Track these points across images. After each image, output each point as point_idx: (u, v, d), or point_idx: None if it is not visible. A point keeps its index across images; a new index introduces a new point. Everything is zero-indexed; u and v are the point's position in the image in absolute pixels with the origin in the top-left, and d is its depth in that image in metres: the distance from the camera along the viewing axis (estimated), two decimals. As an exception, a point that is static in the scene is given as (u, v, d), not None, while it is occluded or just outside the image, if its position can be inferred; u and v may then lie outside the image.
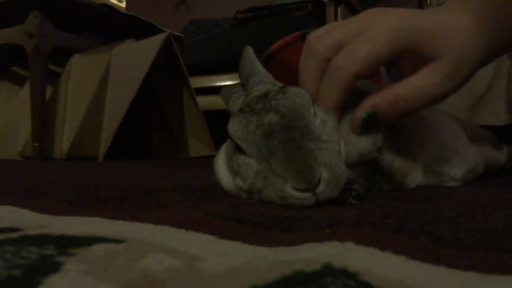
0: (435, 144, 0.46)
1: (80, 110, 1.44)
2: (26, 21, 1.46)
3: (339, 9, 1.74)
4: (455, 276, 0.17)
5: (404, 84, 0.38)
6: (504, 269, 0.17)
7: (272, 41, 0.77)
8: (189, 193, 0.43)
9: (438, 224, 0.25)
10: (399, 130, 0.43)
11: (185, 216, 0.29)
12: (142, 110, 1.77)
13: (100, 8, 1.59)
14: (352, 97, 0.39)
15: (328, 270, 0.17)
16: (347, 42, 0.38)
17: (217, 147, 0.51)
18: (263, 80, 0.40)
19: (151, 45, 1.55)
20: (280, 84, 0.40)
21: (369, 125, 0.38)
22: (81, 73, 1.52)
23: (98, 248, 0.20)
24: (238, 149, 0.36)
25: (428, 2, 2.49)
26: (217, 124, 1.18)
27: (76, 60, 1.55)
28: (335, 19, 1.72)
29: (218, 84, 1.86)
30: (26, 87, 1.57)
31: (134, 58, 1.53)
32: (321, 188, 0.32)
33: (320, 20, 1.87)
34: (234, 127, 0.36)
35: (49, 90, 1.53)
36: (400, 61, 0.40)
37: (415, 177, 0.45)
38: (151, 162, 1.36)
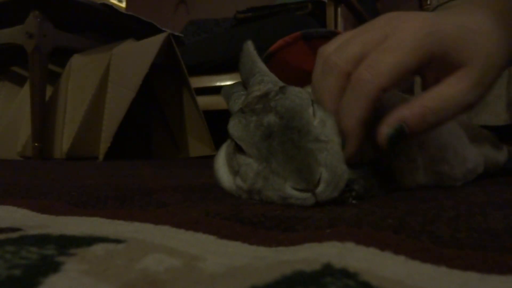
0: (435, 144, 0.46)
1: (80, 110, 1.44)
2: (26, 21, 1.46)
3: (339, 9, 1.74)
4: (455, 276, 0.17)
5: (432, 94, 0.35)
6: (504, 269, 0.17)
7: (272, 41, 0.77)
8: (189, 193, 0.43)
9: (438, 224, 0.25)
10: None
11: (185, 216, 0.29)
12: (142, 110, 1.77)
13: (100, 8, 1.59)
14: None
15: (328, 270, 0.17)
16: (367, 53, 0.35)
17: (217, 147, 0.51)
18: (264, 79, 0.40)
19: (151, 45, 1.55)
20: (281, 84, 0.40)
21: (396, 140, 0.35)
22: (81, 73, 1.52)
23: (98, 248, 0.20)
24: (239, 149, 0.36)
25: (428, 2, 2.49)
26: (217, 124, 1.18)
27: (76, 60, 1.55)
28: (335, 19, 1.72)
29: (218, 84, 1.86)
30: (26, 87, 1.57)
31: (134, 58, 1.53)
32: (321, 188, 0.32)
33: (320, 20, 1.86)
34: (234, 127, 0.36)
35: (49, 90, 1.52)
36: (423, 70, 0.37)
37: (415, 177, 0.45)
38: (151, 162, 1.36)
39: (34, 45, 1.43)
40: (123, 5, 3.57)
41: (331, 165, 0.32)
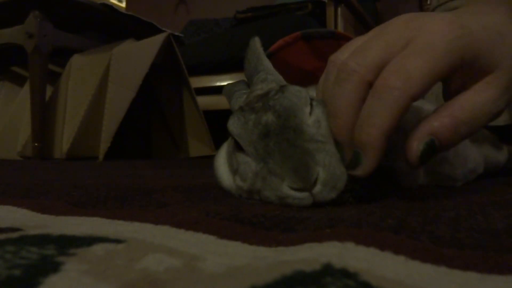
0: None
1: (80, 110, 1.44)
2: (26, 21, 1.46)
3: (339, 9, 1.75)
4: (455, 276, 0.17)
5: (462, 103, 0.32)
6: (504, 269, 0.17)
7: (272, 41, 0.77)
8: (189, 193, 0.43)
9: (438, 224, 0.25)
10: (400, 130, 0.43)
11: (185, 216, 0.29)
12: (142, 110, 1.77)
13: (100, 8, 1.59)
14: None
15: (328, 270, 0.17)
16: (390, 58, 0.32)
17: (217, 147, 0.51)
18: (268, 78, 0.40)
19: (151, 45, 1.55)
20: (284, 83, 0.40)
21: (428, 156, 0.32)
22: (81, 73, 1.52)
23: (98, 248, 0.20)
24: (238, 147, 0.36)
25: (428, 2, 2.49)
26: (217, 124, 1.18)
27: (76, 60, 1.55)
28: (335, 19, 1.72)
29: (218, 84, 1.86)
30: (26, 87, 1.57)
31: (134, 58, 1.53)
32: (317, 188, 0.32)
33: (320, 20, 1.87)
34: (233, 124, 0.36)
35: (49, 90, 1.52)
36: (450, 75, 0.33)
37: (416, 177, 0.45)
38: (151, 162, 1.36)
39: (34, 45, 1.43)
40: (123, 5, 3.58)
41: (329, 165, 0.32)
